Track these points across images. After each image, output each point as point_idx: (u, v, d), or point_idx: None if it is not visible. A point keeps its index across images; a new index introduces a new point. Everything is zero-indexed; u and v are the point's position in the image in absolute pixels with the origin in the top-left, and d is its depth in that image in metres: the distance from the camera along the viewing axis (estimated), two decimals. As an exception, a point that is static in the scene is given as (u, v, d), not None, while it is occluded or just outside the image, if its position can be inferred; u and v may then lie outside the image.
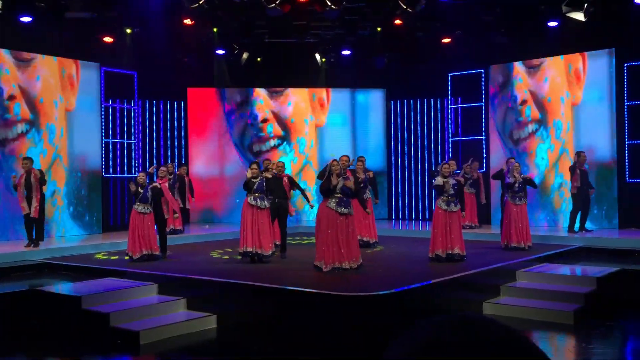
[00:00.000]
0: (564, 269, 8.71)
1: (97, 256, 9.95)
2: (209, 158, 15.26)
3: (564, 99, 12.84)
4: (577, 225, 11.17)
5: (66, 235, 12.19)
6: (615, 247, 10.11)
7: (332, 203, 7.81)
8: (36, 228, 10.26)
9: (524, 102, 13.34)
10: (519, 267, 8.43)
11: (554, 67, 13.05)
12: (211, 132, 15.31)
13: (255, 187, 8.67)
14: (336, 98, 15.68)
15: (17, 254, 9.67)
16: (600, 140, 12.17)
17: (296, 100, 15.48)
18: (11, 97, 11.33)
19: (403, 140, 15.74)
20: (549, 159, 12.95)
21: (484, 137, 14.09)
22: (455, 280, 7.37)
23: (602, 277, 7.94)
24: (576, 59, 12.68)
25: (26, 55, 11.63)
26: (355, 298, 6.39)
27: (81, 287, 7.74)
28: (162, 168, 10.35)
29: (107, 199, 13.33)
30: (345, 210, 7.83)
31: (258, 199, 8.65)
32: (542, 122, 13.10)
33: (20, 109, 11.49)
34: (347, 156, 9.79)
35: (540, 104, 13.16)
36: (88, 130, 12.74)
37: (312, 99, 15.59)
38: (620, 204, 12.04)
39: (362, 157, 10.84)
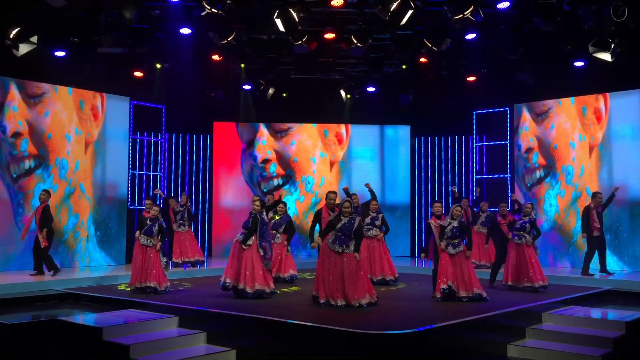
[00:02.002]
0: (592, 312, 8.49)
1: (120, 287, 10.00)
2: (235, 191, 15.38)
3: (574, 144, 12.76)
4: (591, 267, 10.95)
5: (90, 265, 12.30)
6: (645, 290, 9.85)
7: (329, 240, 8.01)
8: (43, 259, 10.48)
9: (529, 150, 13.40)
10: (545, 309, 8.24)
11: (562, 112, 13.02)
12: (237, 166, 15.48)
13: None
14: (359, 133, 15.74)
15: (41, 284, 9.78)
16: (634, 178, 11.97)
17: (300, 139, 15.55)
18: (16, 134, 11.32)
19: (427, 177, 15.73)
20: (559, 205, 12.87)
21: (508, 175, 13.99)
22: (479, 321, 7.23)
23: (632, 322, 7.70)
24: (593, 99, 12.60)
25: (37, 90, 11.66)
26: (377, 337, 6.30)
27: (103, 318, 7.77)
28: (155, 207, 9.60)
29: (131, 229, 13.45)
30: (339, 249, 7.96)
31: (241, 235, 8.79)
32: (550, 168, 13.07)
33: (28, 145, 11.48)
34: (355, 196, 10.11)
35: (547, 151, 13.17)
36: (115, 162, 12.94)
37: (324, 135, 15.66)
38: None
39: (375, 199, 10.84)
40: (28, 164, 11.50)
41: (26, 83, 11.55)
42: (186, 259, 12.10)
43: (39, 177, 11.61)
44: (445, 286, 8.45)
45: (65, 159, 12.06)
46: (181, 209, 12.26)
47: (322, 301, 7.96)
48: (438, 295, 8.49)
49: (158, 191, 12.90)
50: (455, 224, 8.58)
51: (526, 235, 9.64)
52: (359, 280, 8.04)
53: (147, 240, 9.14)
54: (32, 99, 11.62)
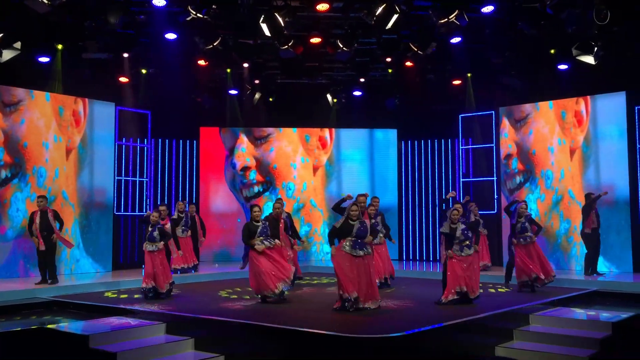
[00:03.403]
0: (578, 314, 8.56)
1: (107, 294, 9.91)
2: (222, 196, 15.33)
3: (553, 148, 12.91)
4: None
5: (76, 272, 12.18)
6: (631, 291, 9.93)
7: (346, 246, 7.92)
8: (50, 267, 10.35)
9: (508, 156, 13.58)
10: (532, 311, 8.29)
11: (541, 117, 13.17)
12: (222, 171, 15.42)
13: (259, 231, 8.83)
14: (347, 137, 15.74)
15: (26, 292, 9.68)
16: (621, 179, 12.08)
17: (280, 145, 15.51)
18: None
19: (414, 180, 15.77)
20: (540, 209, 13.01)
21: (494, 178, 14.08)
22: (468, 323, 7.25)
23: (617, 322, 7.77)
24: (573, 103, 12.72)
25: (13, 98, 11.42)
26: (366, 340, 6.30)
27: (89, 326, 7.70)
28: (162, 207, 10.11)
29: (117, 236, 13.37)
30: (361, 252, 7.95)
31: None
32: (530, 173, 13.24)
33: (4, 154, 11.25)
34: (364, 196, 9.76)
35: (525, 157, 13.33)
36: (101, 168, 12.83)
37: (306, 140, 15.63)
38: (635, 246, 11.89)
39: (376, 197, 10.83)
40: (4, 173, 11.28)
41: (2, 91, 11.34)
42: (185, 265, 12.10)
43: (15, 187, 11.40)
44: (455, 296, 8.45)
45: (44, 167, 11.83)
46: (182, 214, 12.25)
47: (361, 306, 7.85)
48: (446, 299, 8.47)
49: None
50: (462, 225, 8.61)
51: (528, 234, 9.82)
52: (375, 281, 8.26)
53: (152, 245, 9.24)
54: (7, 108, 11.38)
